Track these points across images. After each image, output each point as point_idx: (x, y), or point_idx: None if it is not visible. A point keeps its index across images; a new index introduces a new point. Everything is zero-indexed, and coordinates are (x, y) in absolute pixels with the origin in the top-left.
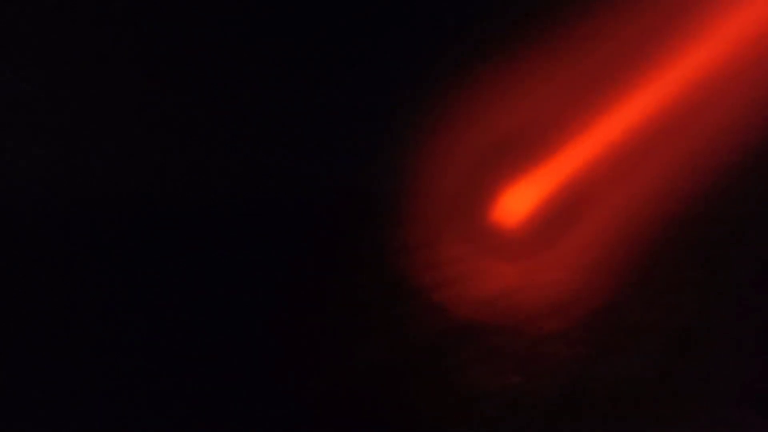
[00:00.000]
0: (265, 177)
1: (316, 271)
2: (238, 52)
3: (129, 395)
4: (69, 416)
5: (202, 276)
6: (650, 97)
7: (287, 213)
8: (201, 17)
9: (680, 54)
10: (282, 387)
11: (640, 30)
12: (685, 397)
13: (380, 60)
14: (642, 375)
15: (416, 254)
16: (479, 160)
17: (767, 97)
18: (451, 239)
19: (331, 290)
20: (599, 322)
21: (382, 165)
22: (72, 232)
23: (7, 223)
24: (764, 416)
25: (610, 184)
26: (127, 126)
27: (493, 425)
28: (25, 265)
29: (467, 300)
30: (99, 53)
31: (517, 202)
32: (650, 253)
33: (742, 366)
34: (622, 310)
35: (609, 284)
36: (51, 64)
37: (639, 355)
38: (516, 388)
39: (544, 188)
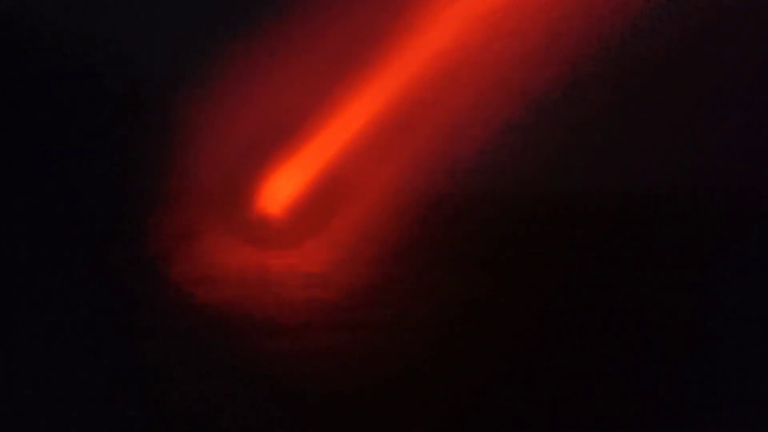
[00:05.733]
0: None
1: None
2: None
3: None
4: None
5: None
6: (400, 80)
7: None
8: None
9: (425, 36)
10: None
11: (385, 16)
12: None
13: (136, 55)
14: (408, 368)
15: (180, 246)
16: (238, 153)
17: (511, 75)
18: (214, 230)
19: (94, 280)
20: (363, 310)
21: (148, 158)
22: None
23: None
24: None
25: (369, 170)
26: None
27: (259, 417)
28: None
29: (228, 291)
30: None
31: (278, 193)
32: (412, 235)
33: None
34: (389, 298)
35: (372, 271)
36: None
37: (403, 344)
38: (274, 380)
39: (304, 178)
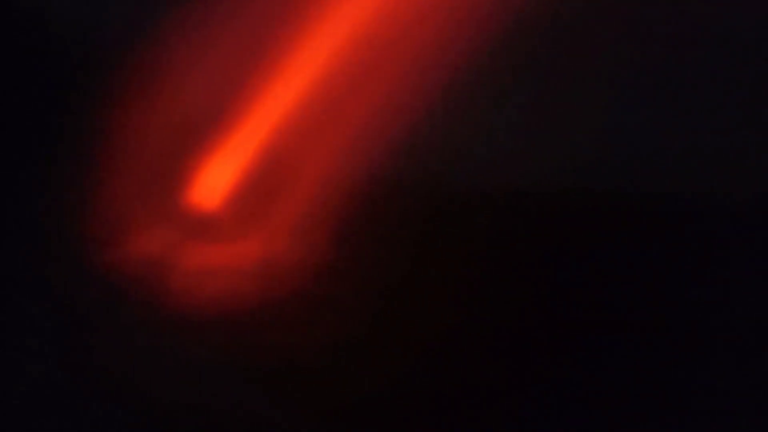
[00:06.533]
0: None
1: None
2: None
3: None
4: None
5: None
6: (333, 54)
7: None
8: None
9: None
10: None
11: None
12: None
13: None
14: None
15: (113, 243)
16: (169, 140)
17: (445, 43)
18: (150, 224)
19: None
20: (311, 299)
21: (74, 153)
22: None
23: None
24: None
25: (306, 150)
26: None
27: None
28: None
29: (169, 286)
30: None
31: (213, 180)
32: (354, 220)
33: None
34: (330, 285)
35: (315, 257)
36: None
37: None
38: (222, 380)
39: (238, 163)
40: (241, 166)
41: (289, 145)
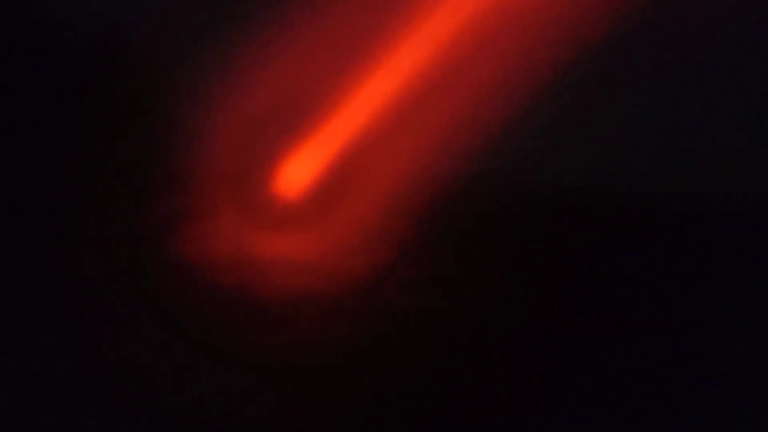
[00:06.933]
0: None
1: (89, 243)
2: None
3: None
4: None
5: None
6: (417, 59)
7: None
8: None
9: (442, 14)
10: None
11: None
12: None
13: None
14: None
15: (192, 226)
16: (252, 131)
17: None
18: (228, 211)
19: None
20: (376, 296)
21: (159, 137)
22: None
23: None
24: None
25: (385, 152)
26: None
27: (282, 401)
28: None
29: (242, 272)
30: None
31: (294, 173)
32: (426, 223)
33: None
34: (400, 285)
35: (386, 256)
36: None
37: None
38: (293, 365)
39: (319, 158)
40: (323, 162)
41: (371, 144)
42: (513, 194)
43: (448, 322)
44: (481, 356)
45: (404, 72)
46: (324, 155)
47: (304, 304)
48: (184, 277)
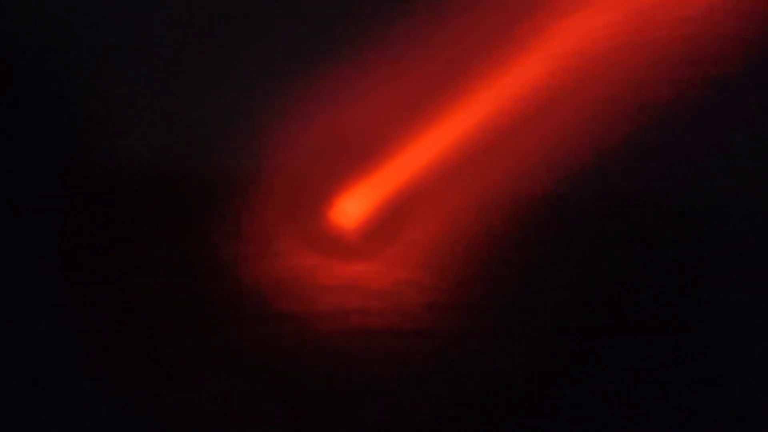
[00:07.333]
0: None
1: (147, 256)
2: None
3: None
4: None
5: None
6: (485, 102)
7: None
8: None
9: (515, 62)
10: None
11: (477, 36)
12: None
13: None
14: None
15: (252, 245)
16: (319, 160)
17: (609, 97)
18: (288, 234)
19: (163, 275)
20: (431, 319)
21: (223, 156)
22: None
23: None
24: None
25: (444, 187)
26: None
27: (331, 415)
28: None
29: (296, 293)
30: None
31: (355, 202)
32: (482, 254)
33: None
34: (454, 309)
35: (440, 285)
36: None
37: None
38: (346, 380)
39: (380, 190)
40: (381, 194)
41: (430, 181)
42: (576, 221)
43: (503, 343)
44: (535, 373)
45: (474, 118)
46: (387, 187)
47: (357, 327)
48: (241, 297)
